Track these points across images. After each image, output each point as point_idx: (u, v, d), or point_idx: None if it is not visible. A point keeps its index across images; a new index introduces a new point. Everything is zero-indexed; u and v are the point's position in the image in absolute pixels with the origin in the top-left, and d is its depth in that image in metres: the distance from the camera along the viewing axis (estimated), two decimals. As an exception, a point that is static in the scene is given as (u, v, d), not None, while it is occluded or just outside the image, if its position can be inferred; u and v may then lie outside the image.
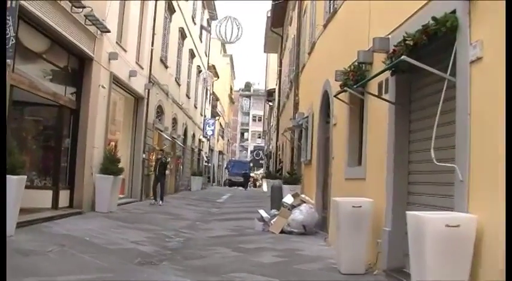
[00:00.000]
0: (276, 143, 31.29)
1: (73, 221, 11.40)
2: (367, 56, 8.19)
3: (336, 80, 9.39)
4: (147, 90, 19.95)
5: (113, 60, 15.02)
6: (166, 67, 23.77)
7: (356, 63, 8.60)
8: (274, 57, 59.81)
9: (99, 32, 13.59)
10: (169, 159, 19.38)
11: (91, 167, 13.64)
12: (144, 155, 19.76)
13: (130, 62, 17.43)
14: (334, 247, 9.48)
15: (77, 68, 13.32)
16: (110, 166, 13.98)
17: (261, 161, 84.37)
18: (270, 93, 42.51)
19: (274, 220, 11.91)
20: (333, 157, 10.40)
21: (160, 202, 18.33)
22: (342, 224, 7.24)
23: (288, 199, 12.63)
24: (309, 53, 14.87)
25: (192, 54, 31.89)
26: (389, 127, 7.15)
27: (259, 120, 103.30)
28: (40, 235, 9.04)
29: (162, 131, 23.59)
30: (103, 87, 14.27)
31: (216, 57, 51.17)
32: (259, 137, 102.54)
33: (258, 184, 69.38)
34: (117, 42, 15.73)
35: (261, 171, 77.64)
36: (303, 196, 12.38)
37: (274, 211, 12.69)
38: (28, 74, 10.64)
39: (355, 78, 8.44)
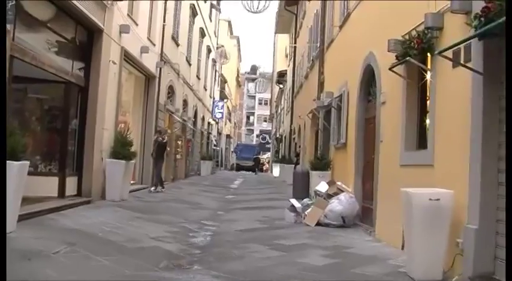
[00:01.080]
0: (290, 126, 29.90)
1: (82, 212, 10.11)
2: (436, 20, 6.81)
3: (389, 51, 8.02)
4: (158, 68, 18.59)
5: (125, 33, 13.65)
6: (177, 45, 22.37)
7: (419, 29, 7.22)
8: (282, 39, 58.51)
9: (110, 0, 12.21)
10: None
11: (101, 151, 12.34)
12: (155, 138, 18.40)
13: (142, 37, 16.04)
14: (386, 243, 8.24)
15: (85, 40, 11.95)
16: (122, 149, 12.66)
17: (267, 145, 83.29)
18: (281, 75, 40.99)
19: (308, 210, 10.59)
20: (381, 140, 9.04)
21: (153, 189, 16.38)
22: (416, 221, 5.90)
23: (322, 187, 11.31)
24: (341, 26, 13.44)
25: (202, 33, 30.44)
26: (473, 103, 5.79)
27: (265, 103, 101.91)
28: (45, 230, 7.74)
29: (173, 113, 22.26)
30: (114, 63, 12.91)
31: (223, 39, 49.61)
32: (265, 121, 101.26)
33: (264, 168, 68.10)
34: (128, 15, 14.33)
35: (268, 155, 76.43)
36: (339, 183, 11.05)
37: (307, 200, 11.37)
38: (30, 45, 9.25)
39: (421, 46, 7.06)
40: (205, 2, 31.24)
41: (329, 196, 10.70)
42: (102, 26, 12.00)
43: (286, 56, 54.82)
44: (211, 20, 35.69)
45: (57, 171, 11.10)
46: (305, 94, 22.29)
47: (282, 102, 44.60)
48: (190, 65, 26.36)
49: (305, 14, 24.58)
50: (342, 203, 10.13)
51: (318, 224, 10.20)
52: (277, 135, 46.71)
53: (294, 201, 11.08)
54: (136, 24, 15.32)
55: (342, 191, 10.73)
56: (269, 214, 12.23)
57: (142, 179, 17.44)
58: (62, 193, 10.93)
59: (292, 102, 29.98)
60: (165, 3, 18.82)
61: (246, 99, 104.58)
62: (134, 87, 17.88)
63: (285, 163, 28.33)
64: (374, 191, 9.34)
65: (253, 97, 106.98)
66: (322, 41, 16.52)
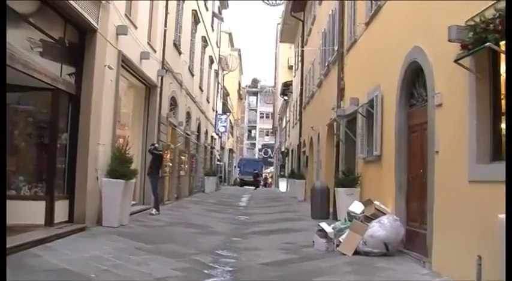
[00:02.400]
0: (299, 139, 28.23)
1: (73, 244, 8.43)
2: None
3: (450, 41, 6.42)
4: (160, 77, 16.98)
5: (122, 35, 12.04)
6: (179, 53, 20.78)
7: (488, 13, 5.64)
8: (285, 51, 57.11)
9: (104, -4, 10.63)
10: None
11: (96, 170, 10.67)
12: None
13: (141, 42, 14.43)
14: (450, 278, 6.55)
15: (76, 41, 10.33)
16: (120, 167, 10.99)
17: (269, 159, 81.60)
18: (285, 86, 39.40)
19: (343, 236, 8.90)
20: (437, 150, 7.37)
21: (153, 211, 14.38)
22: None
23: (357, 207, 9.63)
24: (367, 23, 11.84)
25: (204, 42, 28.87)
26: None
27: (267, 117, 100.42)
28: (24, 273, 6.05)
29: (176, 126, 20.62)
30: (110, 68, 11.28)
31: (224, 51, 48.09)
32: (267, 135, 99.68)
33: (268, 182, 66.38)
34: (126, 15, 12.73)
35: (271, 169, 74.73)
36: (377, 203, 9.35)
37: (339, 224, 9.65)
38: (8, 43, 7.61)
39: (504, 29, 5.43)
40: (207, 11, 29.72)
41: (366, 219, 9.00)
42: (95, 25, 10.39)
43: (289, 68, 53.47)
44: (213, 30, 34.17)
45: (44, 194, 9.40)
46: (318, 104, 20.66)
47: (288, 115, 42.97)
48: (193, 75, 24.77)
49: (315, 18, 23.02)
50: (385, 227, 8.44)
51: (356, 252, 8.52)
52: (283, 149, 45.00)
53: (324, 225, 9.36)
54: (135, 27, 13.72)
55: (381, 213, 9.05)
56: (292, 239, 10.54)
57: (144, 200, 15.75)
58: (49, 219, 9.24)
59: (301, 113, 28.34)
60: (166, 4, 17.23)
61: (247, 113, 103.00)
62: (134, 98, 16.27)
63: (295, 177, 26.60)
64: (428, 213, 7.65)
65: (255, 111, 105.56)
66: (341, 43, 14.90)
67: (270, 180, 70.95)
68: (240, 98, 79.99)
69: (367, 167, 11.45)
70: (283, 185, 39.40)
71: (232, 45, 62.03)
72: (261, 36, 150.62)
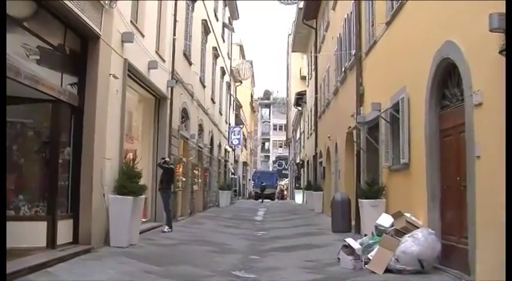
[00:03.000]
0: (315, 150, 27.41)
1: (77, 268, 7.69)
2: None
3: (491, 31, 5.68)
4: (170, 88, 16.31)
5: (128, 43, 11.38)
6: (190, 64, 20.13)
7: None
8: (297, 61, 56.52)
9: (107, 0, 9.96)
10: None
11: (102, 186, 9.96)
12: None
13: (149, 51, 13.76)
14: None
15: (78, 49, 9.65)
16: (128, 183, 10.26)
17: (283, 171, 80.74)
18: (299, 96, 38.62)
19: (372, 252, 8.09)
20: (478, 155, 6.56)
21: (166, 228, 13.67)
22: None
23: (385, 220, 8.82)
24: (388, 23, 11.08)
25: (215, 54, 28.25)
26: None
27: (280, 129, 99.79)
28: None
29: (187, 139, 19.92)
30: (115, 77, 10.60)
31: (236, 63, 47.51)
32: (281, 147, 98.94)
33: (283, 194, 65.59)
34: (132, 22, 12.08)
35: (285, 181, 73.91)
36: (408, 215, 8.53)
37: (366, 239, 8.83)
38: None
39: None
40: (217, 21, 29.13)
41: (397, 233, 8.18)
42: (98, 32, 9.71)
43: (302, 78, 52.78)
44: (224, 41, 33.57)
45: (46, 213, 8.67)
46: (335, 112, 19.86)
47: (302, 126, 42.16)
48: (204, 87, 24.11)
49: (329, 24, 22.27)
50: (419, 241, 7.61)
51: (387, 270, 7.70)
52: (298, 161, 44.15)
53: (350, 241, 8.57)
54: (143, 35, 13.06)
55: (413, 226, 8.23)
56: (314, 256, 9.74)
57: (156, 216, 15.00)
58: (52, 241, 8.51)
59: (316, 123, 27.53)
60: (175, 13, 16.59)
61: (260, 125, 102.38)
62: (143, 110, 15.60)
63: (312, 189, 25.75)
64: (469, 225, 6.83)
65: (268, 123, 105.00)
66: (358, 46, 14.15)
67: (285, 192, 70.16)
68: (253, 110, 79.37)
69: (393, 176, 10.63)
70: (299, 197, 38.55)
71: (243, 57, 61.47)
72: (272, 48, 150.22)
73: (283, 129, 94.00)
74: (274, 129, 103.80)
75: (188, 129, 20.02)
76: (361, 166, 13.73)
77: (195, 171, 21.44)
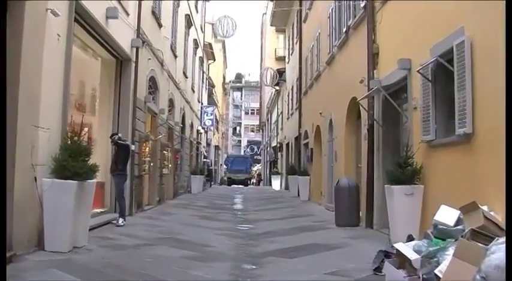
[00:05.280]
0: (299, 130, 24.60)
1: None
2: None
3: None
4: (134, 49, 13.29)
5: (74, -27, 8.36)
6: (160, 25, 17.06)
7: None
8: (272, 41, 53.62)
9: None
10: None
11: (33, 166, 6.99)
12: (133, 147, 13.09)
13: (106, -5, 10.75)
14: None
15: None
16: (72, 162, 7.29)
17: (255, 156, 78.25)
18: (279, 73, 35.68)
19: (441, 266, 5.28)
20: None
21: (120, 221, 10.89)
22: None
23: (447, 216, 5.99)
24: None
25: (188, 22, 25.13)
26: None
27: (252, 113, 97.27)
28: None
29: (156, 114, 16.92)
30: (55, 14, 7.56)
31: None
32: (253, 131, 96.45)
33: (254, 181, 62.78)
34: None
35: (258, 167, 71.50)
36: (485, 209, 5.74)
37: (423, 244, 5.97)
38: None
39: None
40: (190, -14, 25.99)
41: (475, 235, 5.40)
42: None
43: (277, 59, 49.84)
44: (197, 12, 30.44)
45: None
46: (329, 84, 17.06)
47: (280, 106, 39.32)
48: (176, 56, 21.03)
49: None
50: (518, 253, 4.85)
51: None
52: (276, 144, 41.36)
53: (401, 247, 5.76)
54: (97, -27, 10.03)
55: (495, 225, 5.47)
56: (332, 263, 6.95)
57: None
58: None
59: (300, 101, 24.73)
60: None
61: (231, 109, 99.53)
62: (101, 74, 12.59)
63: (297, 174, 22.97)
64: None
65: (239, 107, 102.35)
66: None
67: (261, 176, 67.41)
68: (225, 92, 76.23)
69: (437, 153, 7.81)
70: (276, 183, 35.78)
71: (215, 37, 58.26)
72: (244, 30, 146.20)
73: (255, 113, 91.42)
74: (246, 113, 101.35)
75: (157, 103, 17.02)
76: (374, 143, 10.95)
77: (164, 152, 18.44)
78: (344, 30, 14.12)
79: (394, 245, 5.95)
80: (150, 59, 15.22)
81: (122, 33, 11.98)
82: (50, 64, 7.65)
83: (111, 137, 11.38)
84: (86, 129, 8.58)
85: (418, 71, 8.01)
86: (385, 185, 8.45)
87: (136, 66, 13.33)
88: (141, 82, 13.96)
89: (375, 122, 10.96)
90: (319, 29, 19.02)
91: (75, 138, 7.63)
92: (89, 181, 7.61)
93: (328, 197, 16.57)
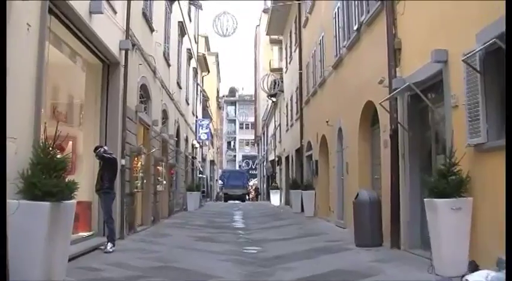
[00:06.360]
0: (301, 141, 23.22)
1: None
2: None
3: None
4: (123, 52, 11.92)
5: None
6: (152, 30, 15.71)
7: None
8: (266, 53, 52.36)
9: None
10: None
11: (-7, 184, 5.55)
12: (123, 162, 11.68)
13: (89, -13, 9.36)
14: None
15: None
16: (44, 179, 5.86)
17: (251, 171, 77.01)
18: (276, 84, 34.27)
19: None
20: None
21: (108, 247, 9.41)
22: None
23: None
24: None
25: (182, 30, 23.82)
26: None
27: (247, 127, 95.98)
28: None
29: (149, 126, 15.49)
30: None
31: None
32: (248, 145, 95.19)
33: (251, 196, 61.12)
34: None
35: (254, 181, 70.16)
36: None
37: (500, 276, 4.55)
38: None
39: None
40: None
41: None
42: None
43: (272, 71, 48.57)
44: (190, 20, 29.15)
45: None
46: (336, 90, 15.74)
47: (277, 119, 37.95)
48: (169, 65, 19.67)
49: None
50: None
51: None
52: (274, 157, 39.93)
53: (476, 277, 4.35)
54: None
55: None
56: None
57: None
58: None
59: (301, 111, 23.37)
60: None
61: (225, 124, 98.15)
62: (86, 80, 11.23)
63: (300, 188, 21.56)
64: None
65: (234, 121, 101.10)
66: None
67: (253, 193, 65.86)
68: (219, 106, 74.90)
69: (490, 159, 6.42)
70: (275, 198, 34.30)
71: (208, 49, 57.01)
72: (237, 45, 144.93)
73: (250, 127, 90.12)
74: (241, 127, 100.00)
75: (149, 114, 15.61)
76: (399, 150, 9.57)
77: (158, 167, 16.98)
78: (355, 28, 12.81)
79: (466, 277, 4.52)
80: (141, 64, 13.83)
81: (108, 33, 10.63)
82: (18, 59, 6.25)
83: (95, 150, 9.96)
84: (65, 140, 7.10)
85: (463, 61, 6.63)
86: (425, 199, 7.02)
87: (125, 72, 11.96)
88: (131, 89, 12.57)
89: (399, 126, 9.58)
90: (323, 32, 17.74)
91: (49, 149, 6.18)
92: (66, 201, 6.16)
93: (338, 213, 15.20)
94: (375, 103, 11.21)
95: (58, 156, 6.30)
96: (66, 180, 6.22)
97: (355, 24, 12.80)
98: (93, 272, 7.24)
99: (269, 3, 37.04)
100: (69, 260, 7.35)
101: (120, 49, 11.71)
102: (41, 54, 6.98)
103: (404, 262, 8.05)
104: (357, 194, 10.55)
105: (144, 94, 14.94)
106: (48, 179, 5.88)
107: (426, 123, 9.24)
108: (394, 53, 9.83)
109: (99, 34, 9.91)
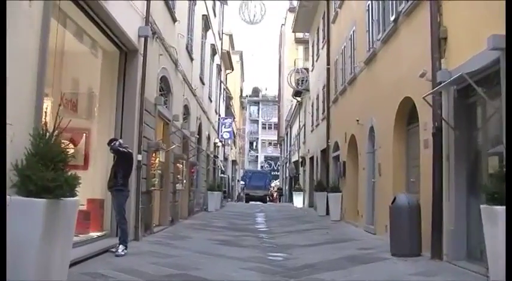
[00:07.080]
0: (327, 142, 22.26)
1: None
2: None
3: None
4: (142, 39, 11.11)
5: None
6: (174, 20, 14.90)
7: None
8: (291, 53, 51.50)
9: None
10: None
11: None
12: (139, 157, 10.88)
13: (105, -36, 8.55)
14: None
15: None
16: (40, 171, 5.02)
17: (273, 172, 76.02)
18: (301, 82, 33.30)
19: None
20: None
21: (120, 249, 8.59)
22: None
23: None
24: None
25: (206, 24, 23.02)
26: None
27: (270, 128, 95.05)
28: None
29: (169, 121, 14.68)
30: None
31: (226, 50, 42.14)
32: (270, 144, 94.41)
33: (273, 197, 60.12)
34: None
35: (276, 183, 69.14)
36: None
37: None
38: None
39: None
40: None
41: None
42: None
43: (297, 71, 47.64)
44: (215, 15, 28.37)
45: None
46: (368, 86, 14.79)
47: (301, 118, 36.98)
48: (192, 59, 18.87)
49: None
50: None
51: None
52: (298, 158, 38.95)
53: None
54: None
55: None
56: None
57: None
58: None
59: (328, 109, 22.41)
60: None
61: (248, 124, 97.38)
62: (101, 70, 10.45)
63: (326, 190, 20.61)
64: None
65: (256, 121, 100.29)
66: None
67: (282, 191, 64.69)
68: (242, 106, 74.17)
69: None
70: (298, 200, 33.32)
71: (233, 48, 56.29)
72: (261, 44, 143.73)
73: (272, 128, 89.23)
74: (263, 128, 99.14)
75: (170, 108, 14.80)
76: (443, 150, 8.59)
77: (178, 165, 16.17)
78: (392, 19, 11.83)
79: None
80: (161, 54, 13.02)
81: (126, 17, 9.83)
82: (17, 35, 5.44)
83: (109, 143, 9.14)
84: (79, 133, 6.24)
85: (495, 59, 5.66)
86: (482, 206, 6.05)
87: (144, 61, 11.15)
88: (150, 80, 11.77)
89: (443, 124, 8.60)
90: (354, 26, 16.77)
91: (48, 135, 5.35)
92: (67, 198, 5.32)
93: (368, 218, 14.24)
94: (413, 99, 10.27)
95: (60, 146, 5.43)
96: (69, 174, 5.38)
97: (392, 15, 11.83)
98: (98, 279, 6.40)
99: (295, 2, 36.26)
100: (76, 263, 6.62)
101: (139, 36, 10.91)
102: (45, 31, 6.15)
103: (450, 276, 7.10)
104: (394, 198, 9.56)
105: (165, 87, 14.15)
106: (44, 171, 5.04)
107: (475, 120, 8.27)
108: (439, 43, 8.84)
109: (117, 18, 9.10)
